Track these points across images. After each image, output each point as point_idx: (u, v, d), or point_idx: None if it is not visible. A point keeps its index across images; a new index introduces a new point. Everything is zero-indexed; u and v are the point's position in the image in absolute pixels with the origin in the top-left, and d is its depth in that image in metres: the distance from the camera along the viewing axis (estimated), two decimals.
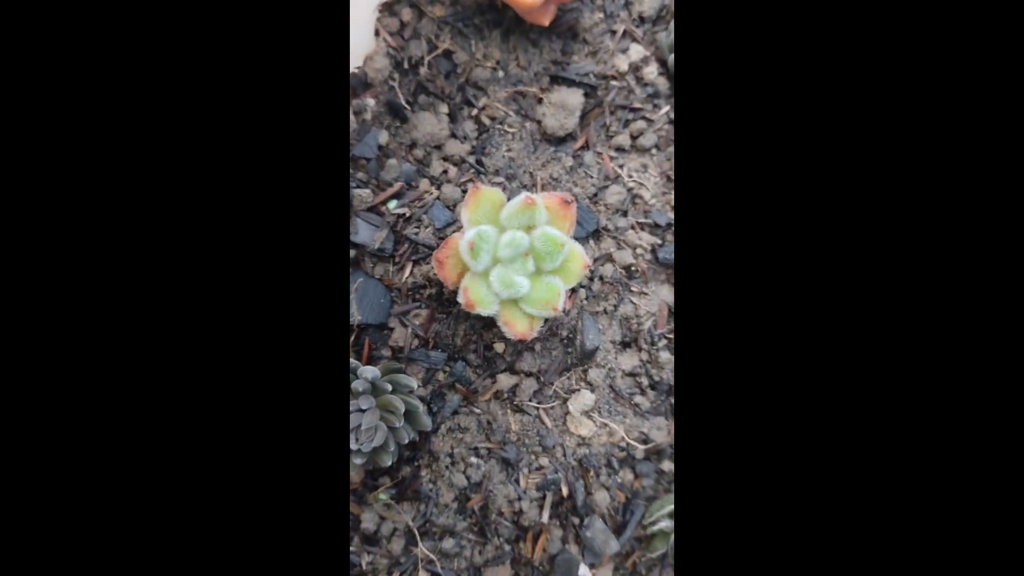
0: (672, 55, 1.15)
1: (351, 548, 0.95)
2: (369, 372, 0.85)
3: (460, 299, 0.89)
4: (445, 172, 1.08)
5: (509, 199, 0.91)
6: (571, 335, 1.05)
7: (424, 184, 1.06)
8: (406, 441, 0.89)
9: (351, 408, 0.83)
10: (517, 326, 0.92)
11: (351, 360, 0.87)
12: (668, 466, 1.08)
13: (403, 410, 0.86)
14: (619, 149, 1.16)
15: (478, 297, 0.89)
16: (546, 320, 1.02)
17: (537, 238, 0.90)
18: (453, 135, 1.10)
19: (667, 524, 1.03)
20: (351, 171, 1.03)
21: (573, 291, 1.06)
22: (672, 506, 1.03)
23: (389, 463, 0.88)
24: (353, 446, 0.81)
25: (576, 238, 1.05)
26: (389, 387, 0.86)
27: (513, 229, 0.89)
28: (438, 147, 1.09)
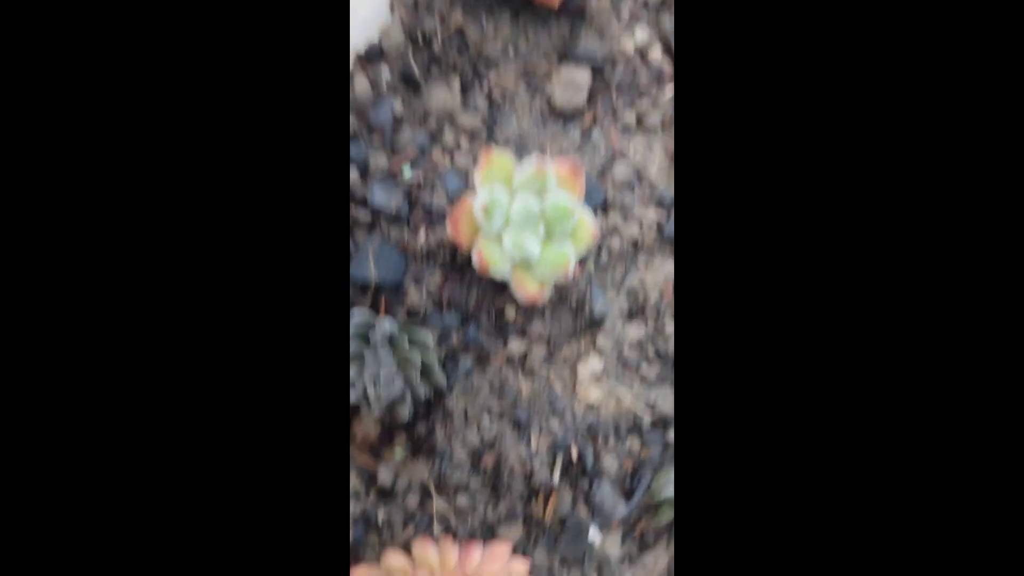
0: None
1: (368, 504, 0.97)
2: (388, 324, 0.88)
3: (474, 261, 0.93)
4: (458, 144, 1.11)
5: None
6: (580, 303, 1.08)
7: (437, 153, 1.09)
8: (423, 397, 0.92)
9: (367, 358, 0.86)
10: (528, 289, 0.95)
11: (369, 313, 0.89)
12: (673, 435, 1.11)
13: (420, 364, 0.89)
14: (625, 128, 1.19)
15: (491, 259, 0.92)
16: (555, 286, 1.05)
17: (548, 204, 0.93)
18: (465, 108, 1.13)
19: (673, 491, 1.06)
20: (367, 137, 1.07)
21: (582, 261, 1.09)
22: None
23: (406, 416, 0.91)
24: (371, 393, 0.84)
25: None
26: (407, 341, 0.89)
27: (524, 194, 0.93)
28: (450, 119, 1.12)
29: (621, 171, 1.15)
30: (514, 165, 0.95)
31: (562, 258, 0.93)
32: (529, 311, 1.07)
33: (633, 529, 1.09)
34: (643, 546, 1.10)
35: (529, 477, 1.01)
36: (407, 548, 0.89)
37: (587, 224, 0.95)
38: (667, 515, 1.07)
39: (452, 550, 0.85)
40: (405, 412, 0.91)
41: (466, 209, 0.93)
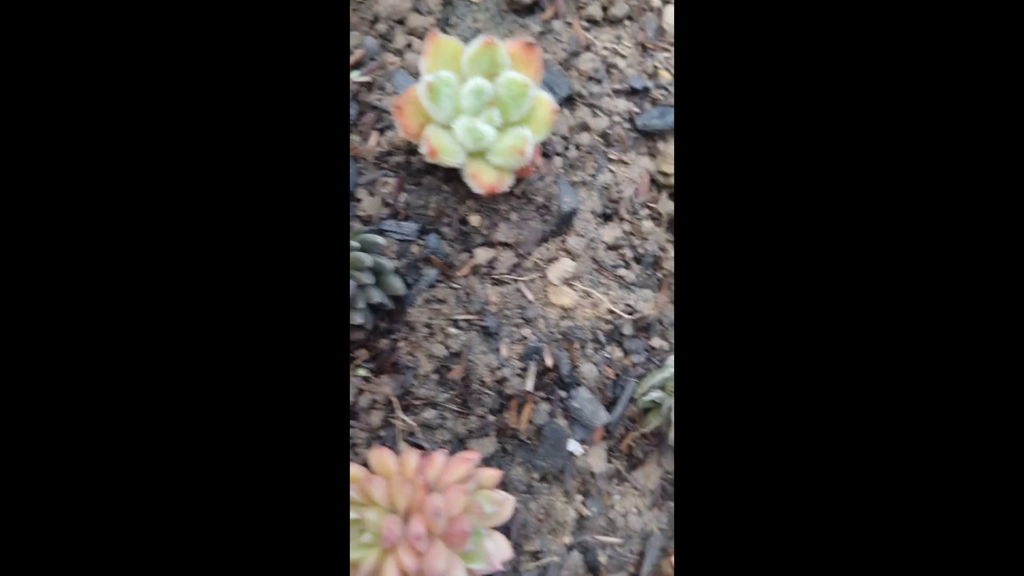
0: None
1: None
2: None
3: (422, 149, 0.85)
4: (409, 45, 1.04)
5: None
6: (547, 202, 1.00)
7: (388, 57, 1.02)
8: (376, 300, 0.85)
9: None
10: (484, 178, 0.88)
11: None
12: (658, 342, 1.04)
13: (372, 265, 0.82)
14: (591, 21, 1.11)
15: (441, 145, 0.85)
16: (519, 180, 0.98)
17: (501, 84, 0.85)
18: (416, 10, 1.06)
19: (659, 395, 0.98)
20: None
21: (547, 156, 1.01)
22: (663, 375, 0.98)
23: (360, 322, 0.85)
24: None
25: None
26: (357, 244, 0.83)
27: (475, 76, 0.85)
28: (400, 21, 1.04)
29: (588, 62, 1.07)
30: (462, 48, 0.87)
31: (519, 141, 0.85)
32: (495, 217, 0.99)
33: (620, 443, 1.03)
34: (633, 463, 1.04)
35: (501, 386, 0.94)
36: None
37: (546, 105, 0.88)
38: (654, 421, 1.00)
39: (413, 457, 0.79)
40: (358, 318, 0.84)
41: (411, 96, 0.86)
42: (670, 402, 0.97)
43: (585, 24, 1.10)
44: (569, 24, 1.09)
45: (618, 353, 1.02)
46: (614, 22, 1.12)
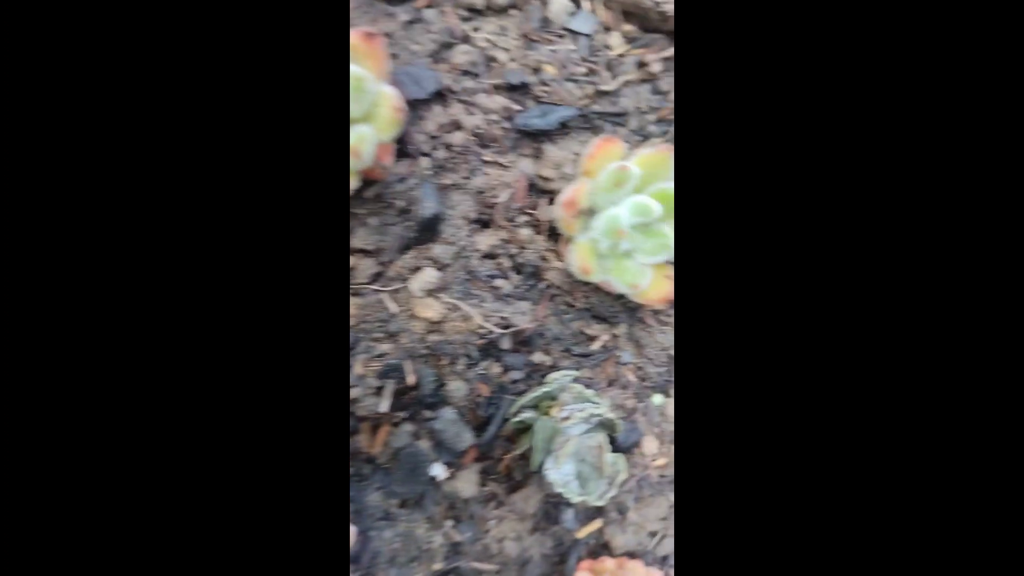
0: None
1: None
2: None
3: None
4: None
5: None
6: (409, 207, 0.93)
7: None
8: None
9: None
10: None
11: None
12: (540, 358, 0.97)
13: None
14: (472, 9, 1.03)
15: None
16: (370, 183, 0.90)
17: None
18: None
19: (530, 415, 0.92)
20: None
21: (408, 156, 0.94)
22: (537, 394, 0.91)
23: None
24: None
25: (416, 99, 0.93)
26: None
27: None
28: None
29: (463, 55, 0.99)
30: None
31: (356, 141, 0.78)
32: (353, 221, 0.92)
33: (496, 465, 0.96)
34: (512, 486, 0.97)
35: (352, 406, 0.87)
36: None
37: (388, 97, 0.80)
38: (525, 443, 0.93)
39: None
40: None
41: None
42: (541, 423, 0.90)
43: (465, 14, 1.02)
44: (444, 13, 1.01)
45: (496, 369, 0.95)
46: (498, 11, 1.04)
